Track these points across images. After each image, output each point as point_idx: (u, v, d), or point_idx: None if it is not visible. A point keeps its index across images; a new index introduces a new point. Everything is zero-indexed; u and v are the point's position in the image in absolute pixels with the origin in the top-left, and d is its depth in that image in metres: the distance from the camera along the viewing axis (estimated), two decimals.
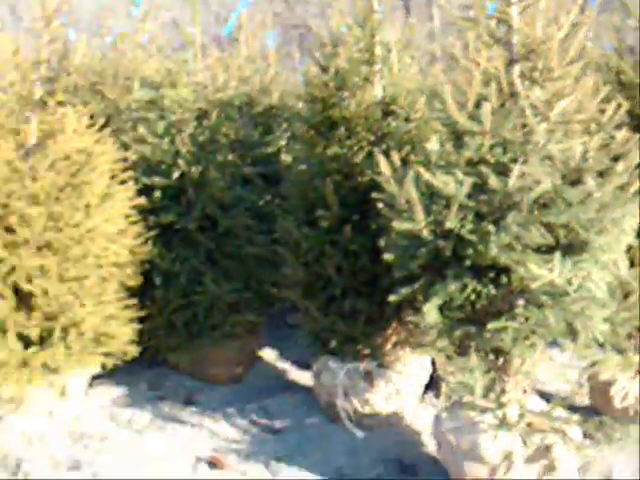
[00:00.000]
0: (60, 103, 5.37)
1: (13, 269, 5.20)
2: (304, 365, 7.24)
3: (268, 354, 7.33)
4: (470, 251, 4.41)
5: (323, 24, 5.84)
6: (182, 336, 6.29)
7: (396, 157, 4.62)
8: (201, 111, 6.35)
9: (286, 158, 7.04)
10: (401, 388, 5.69)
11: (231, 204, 6.32)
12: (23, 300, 5.34)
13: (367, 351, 5.64)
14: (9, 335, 5.26)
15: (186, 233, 6.30)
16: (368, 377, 5.63)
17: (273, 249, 6.32)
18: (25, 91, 5.37)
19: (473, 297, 4.59)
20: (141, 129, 6.32)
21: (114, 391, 6.44)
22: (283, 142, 7.20)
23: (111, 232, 5.60)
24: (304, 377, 6.95)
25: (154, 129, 6.35)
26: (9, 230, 5.23)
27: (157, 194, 6.23)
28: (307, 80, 5.57)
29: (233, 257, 6.35)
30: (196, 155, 6.20)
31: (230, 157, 6.32)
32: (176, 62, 6.36)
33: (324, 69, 5.56)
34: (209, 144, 6.28)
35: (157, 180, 6.22)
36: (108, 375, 6.11)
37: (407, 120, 5.58)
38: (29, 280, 5.25)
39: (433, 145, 4.42)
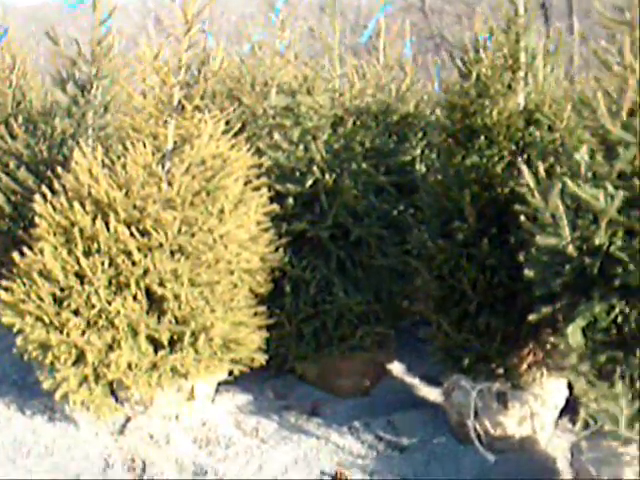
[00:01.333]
0: (197, 108, 5.38)
1: (146, 272, 5.24)
2: (433, 381, 7.01)
3: (396, 368, 7.14)
4: (619, 270, 4.12)
5: (463, 31, 5.63)
6: (310, 346, 6.20)
7: (541, 168, 4.37)
8: (337, 118, 6.25)
9: (421, 167, 6.85)
10: (536, 411, 5.40)
11: (364, 213, 6.19)
12: (155, 303, 5.37)
13: (501, 371, 5.37)
14: (140, 338, 5.30)
15: (317, 241, 6.21)
16: (502, 398, 5.37)
17: (405, 260, 6.14)
18: (164, 95, 5.41)
19: (620, 319, 4.29)
20: (276, 135, 6.28)
21: (240, 398, 6.41)
22: (418, 151, 7.02)
23: (243, 238, 5.57)
24: (433, 393, 6.72)
25: (289, 136, 6.30)
26: (144, 233, 5.27)
27: (290, 201, 6.16)
28: (447, 88, 5.38)
29: (364, 267, 6.21)
30: (330, 163, 6.11)
31: (364, 165, 6.19)
32: (313, 69, 6.29)
33: (464, 76, 5.35)
34: (343, 152, 6.18)
35: (290, 187, 6.16)
36: (233, 381, 6.07)
37: (551, 129, 5.29)
38: (162, 284, 5.28)
39: (582, 156, 4.14)
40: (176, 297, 5.31)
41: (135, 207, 5.29)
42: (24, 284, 5.47)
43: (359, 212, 6.17)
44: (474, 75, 5.35)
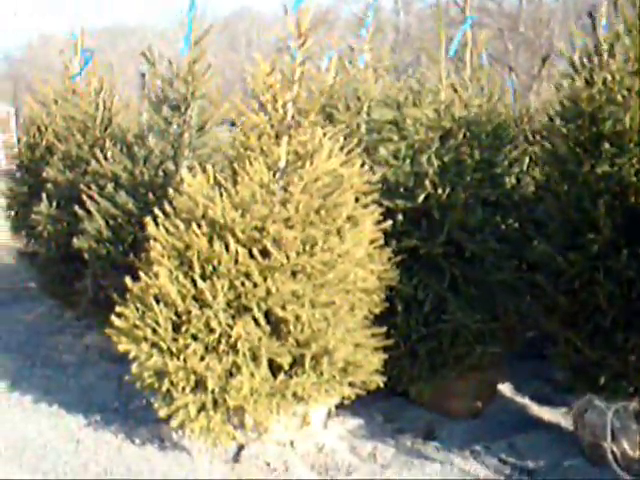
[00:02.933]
0: (313, 123, 5.23)
1: (268, 294, 5.07)
2: (544, 400, 6.76)
3: (504, 387, 6.90)
4: None
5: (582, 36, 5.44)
6: (425, 366, 5.98)
7: None
8: (445, 130, 6.05)
9: (510, 180, 6.63)
10: None
11: (476, 227, 5.97)
12: (275, 326, 5.20)
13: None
14: (261, 362, 5.13)
15: (429, 258, 6.00)
16: None
17: (520, 275, 5.92)
18: (276, 112, 5.27)
19: None
20: (382, 150, 6.10)
21: (350, 422, 6.20)
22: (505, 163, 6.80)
23: (360, 257, 5.38)
24: (547, 413, 6.48)
25: (395, 150, 6.12)
26: (264, 254, 5.11)
27: (399, 217, 5.97)
28: (571, 94, 5.17)
29: (478, 284, 5.98)
30: (441, 176, 5.91)
31: (475, 178, 5.99)
32: (418, 80, 6.11)
33: (589, 82, 5.13)
34: (454, 165, 5.98)
35: (400, 203, 5.97)
36: (346, 405, 5.87)
37: None
38: (283, 306, 5.10)
39: None
40: (297, 319, 5.13)
41: (254, 227, 5.13)
42: (137, 309, 5.35)
43: (472, 226, 5.96)
44: (599, 81, 5.14)
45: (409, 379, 6.06)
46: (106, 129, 7.80)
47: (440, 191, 5.87)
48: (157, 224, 5.39)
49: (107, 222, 6.66)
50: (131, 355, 5.28)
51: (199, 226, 5.20)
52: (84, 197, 6.80)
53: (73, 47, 8.68)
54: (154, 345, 5.25)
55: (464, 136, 6.05)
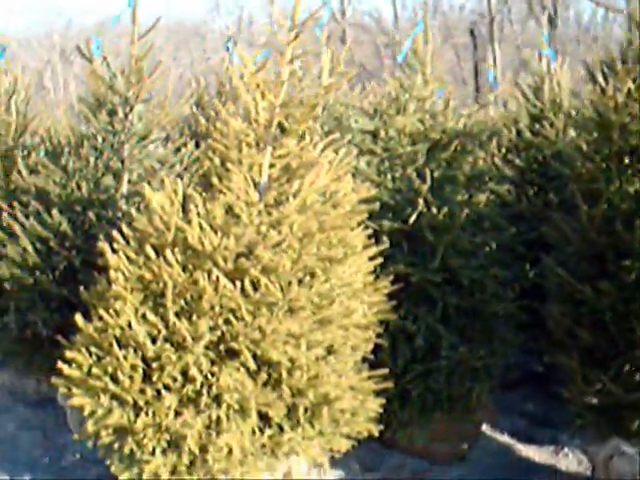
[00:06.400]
0: (309, 131, 4.45)
1: (259, 334, 4.23)
2: (523, 436, 6.21)
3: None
4: None
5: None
6: (416, 409, 5.28)
7: None
8: (433, 142, 5.39)
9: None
10: None
11: (470, 251, 5.33)
12: (266, 372, 4.36)
13: None
14: (251, 416, 4.28)
15: (418, 286, 5.31)
16: None
17: (521, 305, 5.32)
18: (263, 118, 4.46)
19: None
20: (362, 163, 5.38)
21: (330, 473, 5.41)
22: None
23: (358, 287, 4.63)
24: (535, 453, 5.95)
25: (376, 163, 5.41)
26: (253, 287, 4.27)
27: (384, 240, 5.25)
28: (596, 104, 4.61)
29: (474, 314, 5.34)
30: (434, 193, 5.24)
31: (467, 195, 5.35)
32: (403, 86, 5.42)
33: (618, 89, 4.58)
34: (445, 181, 5.32)
35: (386, 224, 5.26)
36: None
37: None
38: (276, 347, 4.27)
39: None
40: (293, 363, 4.32)
41: (240, 254, 4.29)
42: (91, 354, 4.41)
43: (466, 250, 5.31)
44: (625, 89, 4.60)
45: (398, 423, 5.34)
46: (20, 137, 6.72)
47: (434, 210, 5.18)
48: (114, 250, 4.47)
49: (34, 245, 5.62)
50: (86, 411, 4.34)
51: (170, 253, 4.32)
52: (4, 215, 5.75)
53: None
54: (115, 397, 4.32)
55: (455, 149, 5.39)
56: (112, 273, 4.35)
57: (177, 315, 4.29)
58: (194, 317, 4.26)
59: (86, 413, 4.34)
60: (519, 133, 7.01)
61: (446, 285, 5.32)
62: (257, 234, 4.34)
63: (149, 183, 5.44)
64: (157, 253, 4.36)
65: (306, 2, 4.53)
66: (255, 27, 37.72)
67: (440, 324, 5.28)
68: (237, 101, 6.65)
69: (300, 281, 4.38)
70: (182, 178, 5.24)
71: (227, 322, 4.26)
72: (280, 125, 4.51)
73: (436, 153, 5.41)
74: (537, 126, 6.87)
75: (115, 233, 4.47)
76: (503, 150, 6.60)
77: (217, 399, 4.25)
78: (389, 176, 5.45)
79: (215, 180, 4.44)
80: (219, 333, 4.27)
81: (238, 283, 4.24)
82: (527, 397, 6.73)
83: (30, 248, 5.57)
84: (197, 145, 6.54)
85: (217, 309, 4.25)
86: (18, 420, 6.25)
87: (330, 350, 4.50)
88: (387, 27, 39.28)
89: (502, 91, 13.53)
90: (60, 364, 4.37)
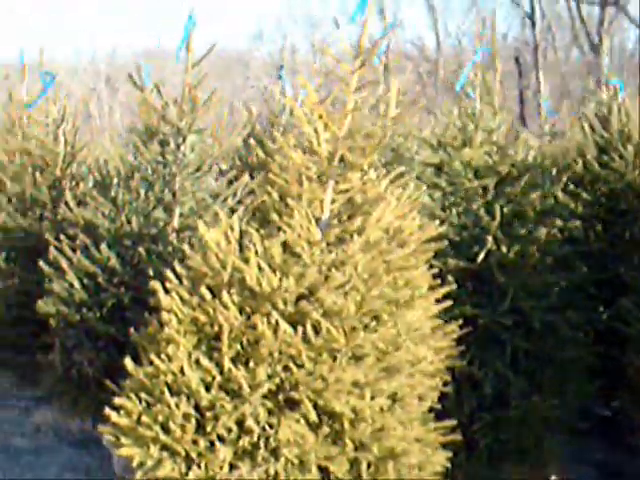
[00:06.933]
0: (373, 165, 4.18)
1: (322, 383, 3.93)
2: None
3: None
4: None
5: None
6: (483, 461, 4.93)
7: None
8: (501, 176, 5.08)
9: None
10: None
11: (542, 293, 4.99)
12: (327, 425, 4.05)
13: None
14: (311, 470, 3.97)
15: (486, 329, 4.98)
16: None
17: (597, 351, 4.97)
18: (325, 150, 4.19)
19: None
20: (425, 198, 5.08)
21: None
22: None
23: (425, 333, 4.32)
24: None
25: (440, 198, 5.11)
26: (316, 332, 3.98)
27: (449, 279, 4.93)
28: None
29: (545, 360, 4.99)
30: (504, 230, 4.92)
31: (537, 232, 5.03)
32: (470, 118, 5.12)
33: None
34: (514, 217, 5.00)
35: (452, 262, 4.95)
36: None
37: None
38: (338, 398, 3.97)
39: None
40: (356, 414, 4.01)
41: (301, 296, 4.01)
42: (140, 401, 4.14)
43: (539, 291, 4.97)
44: None
45: (464, 476, 4.99)
46: (68, 167, 6.54)
47: (504, 248, 4.86)
48: (166, 290, 4.21)
49: (81, 281, 5.39)
50: (135, 462, 4.06)
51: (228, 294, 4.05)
52: (51, 249, 5.53)
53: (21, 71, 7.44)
54: (166, 448, 4.04)
55: (525, 183, 5.07)
56: (164, 315, 4.09)
57: (233, 361, 4.01)
58: (251, 363, 3.98)
59: (135, 464, 4.07)
60: (585, 165, 6.67)
61: (515, 328, 4.98)
62: (319, 274, 4.06)
63: (201, 217, 5.23)
64: (212, 294, 4.11)
65: (353, 30, 4.27)
66: (298, 56, 37.87)
67: (509, 370, 4.94)
68: (291, 132, 6.41)
69: (365, 326, 4.08)
70: (236, 212, 4.95)
71: (286, 369, 3.97)
72: (343, 158, 4.25)
73: (505, 187, 5.09)
74: (605, 158, 6.54)
75: (168, 272, 4.22)
76: (570, 184, 6.25)
77: (275, 452, 3.95)
78: (454, 211, 5.14)
79: (274, 216, 4.18)
80: (278, 381, 3.98)
81: (299, 327, 3.96)
82: (598, 446, 6.34)
83: (77, 284, 5.35)
84: (251, 177, 6.30)
85: (276, 355, 3.96)
86: (62, 461, 6.01)
87: (395, 399, 4.18)
88: (430, 54, 39.26)
89: (554, 121, 13.21)
90: (108, 411, 4.11)
